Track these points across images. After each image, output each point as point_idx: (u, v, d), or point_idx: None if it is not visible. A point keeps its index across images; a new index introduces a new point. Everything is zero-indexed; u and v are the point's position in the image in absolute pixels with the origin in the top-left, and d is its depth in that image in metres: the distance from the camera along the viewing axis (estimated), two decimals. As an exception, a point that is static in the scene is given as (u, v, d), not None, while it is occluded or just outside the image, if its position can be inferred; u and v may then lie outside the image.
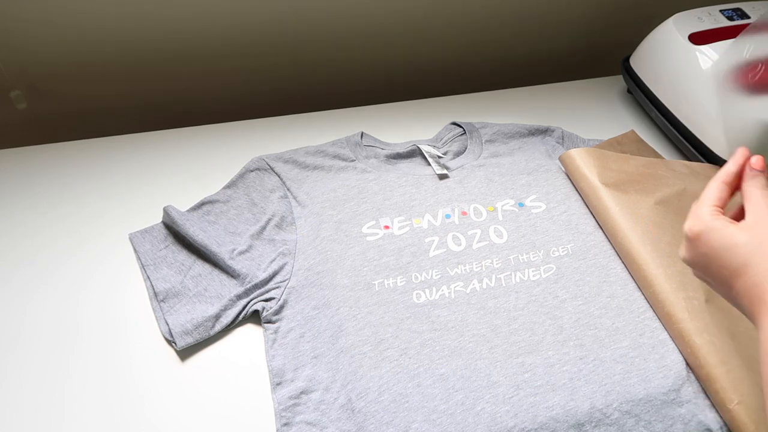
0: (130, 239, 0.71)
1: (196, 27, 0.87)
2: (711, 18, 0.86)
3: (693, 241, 0.47)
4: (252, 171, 0.77)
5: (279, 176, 0.77)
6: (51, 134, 0.88)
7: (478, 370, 0.58)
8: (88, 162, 0.82)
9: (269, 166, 0.77)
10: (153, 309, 0.64)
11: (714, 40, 0.81)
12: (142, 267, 0.67)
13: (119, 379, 0.59)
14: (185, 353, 0.61)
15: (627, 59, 0.94)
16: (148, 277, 0.66)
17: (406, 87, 1.03)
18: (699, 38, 0.82)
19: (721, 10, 0.87)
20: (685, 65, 0.82)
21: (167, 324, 0.62)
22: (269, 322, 0.63)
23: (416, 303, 0.64)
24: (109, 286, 0.67)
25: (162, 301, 0.64)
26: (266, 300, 0.64)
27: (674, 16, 0.87)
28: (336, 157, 0.80)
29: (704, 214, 0.47)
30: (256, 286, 0.65)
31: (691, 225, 0.48)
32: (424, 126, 0.88)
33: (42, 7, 0.80)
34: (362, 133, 0.84)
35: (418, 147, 0.81)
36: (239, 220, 0.72)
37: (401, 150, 0.81)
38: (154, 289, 0.65)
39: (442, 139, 0.84)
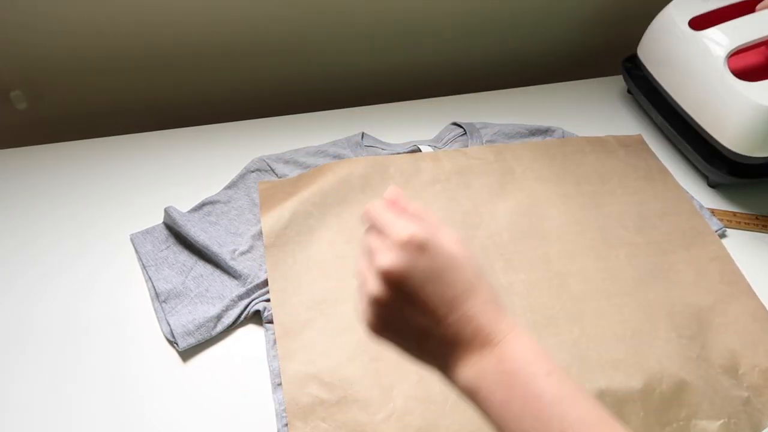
0: (132, 240, 0.71)
1: (197, 27, 0.87)
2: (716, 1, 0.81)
3: (418, 251, 0.36)
4: (253, 172, 0.77)
5: (279, 177, 0.77)
6: (51, 134, 0.87)
7: None
8: (89, 162, 0.82)
9: (270, 167, 0.77)
10: (155, 310, 0.64)
11: (717, 22, 0.77)
12: (144, 268, 0.67)
13: (122, 379, 0.59)
14: (187, 354, 0.61)
15: (627, 59, 0.94)
16: (150, 278, 0.66)
17: (406, 87, 1.03)
18: (700, 23, 0.79)
19: None
20: (687, 54, 0.79)
21: (169, 325, 0.62)
22: (270, 322, 0.63)
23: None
24: (111, 287, 0.67)
25: (164, 301, 0.64)
26: (267, 300, 0.64)
27: (674, 1, 0.83)
28: (336, 157, 0.80)
29: (429, 220, 0.38)
30: (258, 287, 0.65)
31: (416, 231, 0.36)
32: (424, 126, 0.88)
33: (42, 8, 0.80)
34: (363, 134, 0.84)
35: (419, 147, 0.81)
36: (240, 220, 0.72)
37: (401, 150, 0.81)
38: (155, 289, 0.65)
39: (442, 139, 0.84)
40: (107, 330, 0.63)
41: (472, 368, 0.36)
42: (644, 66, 0.88)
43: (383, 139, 0.85)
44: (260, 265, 0.67)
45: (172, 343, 0.62)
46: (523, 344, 0.36)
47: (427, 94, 0.96)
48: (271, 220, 0.69)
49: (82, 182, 0.79)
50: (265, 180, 0.76)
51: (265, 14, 0.88)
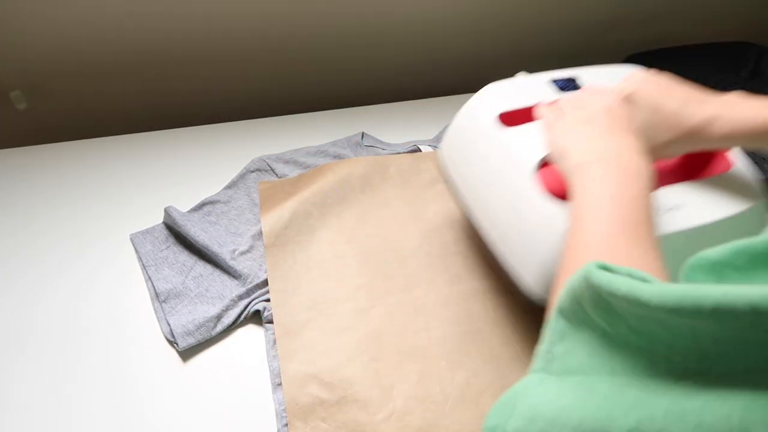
0: (132, 240, 0.71)
1: (197, 27, 0.87)
2: (535, 89, 0.61)
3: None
4: (253, 171, 0.77)
5: (279, 177, 0.77)
6: (51, 134, 0.87)
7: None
8: (88, 162, 0.82)
9: (270, 167, 0.77)
10: (155, 310, 0.64)
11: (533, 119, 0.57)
12: (144, 267, 0.67)
13: (122, 379, 0.59)
14: (187, 353, 0.61)
15: (627, 59, 0.95)
16: (150, 278, 0.66)
17: (406, 87, 1.03)
18: (514, 118, 0.59)
19: (554, 80, 0.62)
20: (491, 158, 0.58)
21: (169, 325, 0.62)
22: (270, 322, 0.63)
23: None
24: (111, 287, 0.67)
25: (163, 301, 0.64)
26: (267, 300, 0.64)
27: (486, 87, 0.63)
28: (337, 157, 0.80)
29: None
30: (258, 287, 0.65)
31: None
32: (424, 126, 0.88)
33: (42, 8, 0.80)
34: (363, 134, 0.84)
35: (419, 147, 0.81)
36: (240, 220, 0.72)
37: (401, 150, 0.81)
38: (155, 289, 0.65)
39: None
40: (107, 330, 0.63)
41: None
42: (444, 170, 0.65)
43: (383, 139, 0.85)
44: (260, 265, 0.67)
45: (172, 343, 0.62)
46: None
47: (427, 94, 0.96)
48: (271, 220, 0.69)
49: (82, 182, 0.79)
50: (265, 180, 0.76)
51: (266, 15, 0.88)
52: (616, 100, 0.51)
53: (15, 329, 0.63)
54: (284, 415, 0.56)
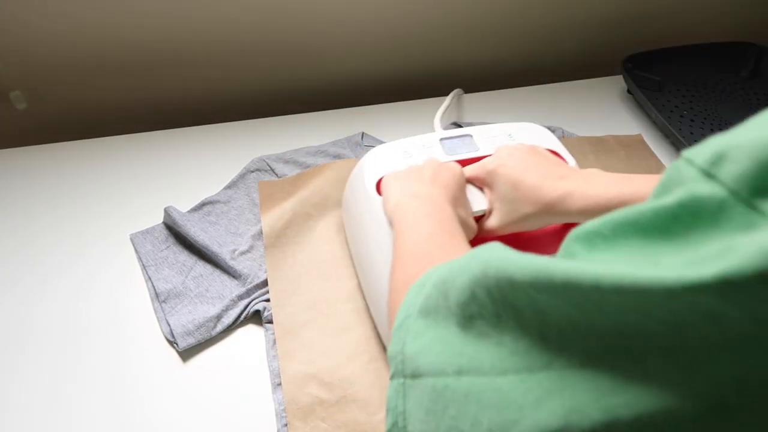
0: (131, 240, 0.71)
1: (196, 27, 0.87)
2: (423, 151, 0.62)
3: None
4: (253, 172, 0.77)
5: (279, 177, 0.77)
6: (51, 134, 0.88)
7: None
8: (88, 162, 0.82)
9: (270, 167, 0.77)
10: (155, 310, 0.64)
11: None
12: (144, 268, 0.67)
13: (122, 379, 0.59)
14: (187, 354, 0.61)
15: (627, 59, 0.95)
16: (150, 278, 0.66)
17: (406, 87, 1.03)
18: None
19: (443, 139, 0.64)
20: (369, 221, 0.59)
21: (169, 325, 0.62)
22: (270, 322, 0.63)
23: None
24: (111, 287, 0.67)
25: (163, 301, 0.64)
26: (267, 300, 0.64)
27: (376, 148, 0.64)
28: (336, 157, 0.80)
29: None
30: (258, 287, 0.65)
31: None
32: (425, 126, 0.88)
33: (42, 8, 0.80)
34: (363, 134, 0.84)
35: (419, 147, 0.81)
36: (240, 220, 0.72)
37: (402, 150, 0.81)
38: (155, 289, 0.65)
39: (442, 139, 0.84)
40: (107, 330, 0.63)
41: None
42: (344, 218, 0.69)
43: (383, 139, 0.85)
44: (260, 265, 0.67)
45: (172, 343, 0.62)
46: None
47: (427, 94, 0.96)
48: (271, 220, 0.69)
49: (82, 182, 0.79)
50: (265, 180, 0.76)
51: (266, 15, 0.88)
52: (479, 172, 0.57)
53: (15, 329, 0.63)
54: (284, 415, 0.56)
